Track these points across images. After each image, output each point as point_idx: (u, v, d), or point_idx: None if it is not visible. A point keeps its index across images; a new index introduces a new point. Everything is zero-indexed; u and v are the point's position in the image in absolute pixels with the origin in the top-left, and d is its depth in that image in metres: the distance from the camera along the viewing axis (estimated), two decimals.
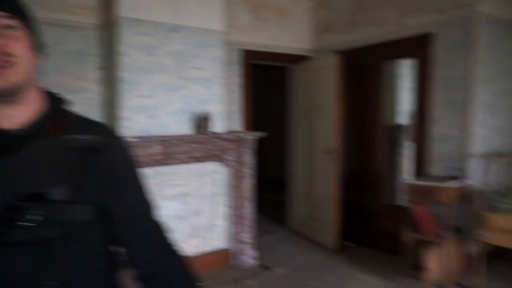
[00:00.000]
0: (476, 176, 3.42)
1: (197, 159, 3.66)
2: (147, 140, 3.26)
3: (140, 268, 1.00)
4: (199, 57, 3.69)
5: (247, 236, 3.99)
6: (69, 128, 0.90)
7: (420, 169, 3.97)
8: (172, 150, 3.46)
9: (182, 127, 3.63)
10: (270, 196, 7.41)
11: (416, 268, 3.51)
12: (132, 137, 3.16)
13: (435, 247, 3.41)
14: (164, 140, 3.36)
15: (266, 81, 8.21)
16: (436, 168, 3.85)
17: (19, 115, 0.86)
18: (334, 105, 4.33)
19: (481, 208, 3.38)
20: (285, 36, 4.75)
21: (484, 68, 3.67)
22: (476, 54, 3.56)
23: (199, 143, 3.61)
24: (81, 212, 0.86)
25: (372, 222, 4.46)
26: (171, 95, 3.56)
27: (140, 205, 1.04)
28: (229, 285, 3.59)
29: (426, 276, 3.34)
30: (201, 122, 3.64)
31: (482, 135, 3.71)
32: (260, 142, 4.22)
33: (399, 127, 4.76)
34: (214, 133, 3.70)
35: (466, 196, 3.55)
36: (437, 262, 3.41)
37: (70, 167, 0.84)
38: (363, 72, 4.51)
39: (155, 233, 1.05)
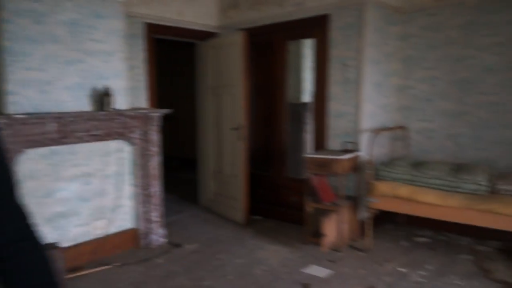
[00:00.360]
0: (366, 148, 3.77)
1: (99, 137, 3.50)
2: (39, 117, 3.02)
3: None
4: (97, 29, 3.48)
5: (155, 215, 3.95)
6: None
7: (320, 144, 4.26)
8: (69, 128, 3.25)
9: (80, 103, 3.43)
10: (183, 175, 7.39)
11: (315, 235, 3.81)
12: (20, 114, 2.91)
13: (332, 214, 3.72)
14: (59, 117, 3.15)
15: (178, 58, 8.04)
16: (333, 142, 4.16)
17: None
18: (240, 82, 4.42)
19: (369, 177, 3.75)
20: (190, 11, 4.68)
21: (373, 50, 4.02)
22: (366, 37, 3.87)
23: (100, 121, 3.44)
24: None
25: (279, 195, 4.70)
26: (66, 69, 3.32)
27: None
28: (138, 264, 3.55)
29: (324, 242, 3.64)
30: (102, 98, 3.47)
31: (371, 111, 4.09)
32: (174, 120, 4.17)
33: (304, 105, 5.02)
34: (116, 109, 3.56)
35: (358, 167, 3.92)
36: (333, 228, 3.74)
37: None
38: (269, 51, 4.65)
39: (14, 217, 0.99)
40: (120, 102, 3.66)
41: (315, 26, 4.15)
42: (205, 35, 4.93)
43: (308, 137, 5.02)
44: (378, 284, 3.11)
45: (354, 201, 3.95)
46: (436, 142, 4.23)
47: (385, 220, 4.45)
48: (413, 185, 3.54)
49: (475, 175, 3.30)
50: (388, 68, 4.32)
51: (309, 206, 3.89)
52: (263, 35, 4.64)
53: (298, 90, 5.17)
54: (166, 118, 4.14)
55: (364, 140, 3.94)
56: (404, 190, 3.52)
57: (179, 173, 7.57)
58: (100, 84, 3.52)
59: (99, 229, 3.68)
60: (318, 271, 3.37)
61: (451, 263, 3.45)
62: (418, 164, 3.73)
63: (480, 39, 3.88)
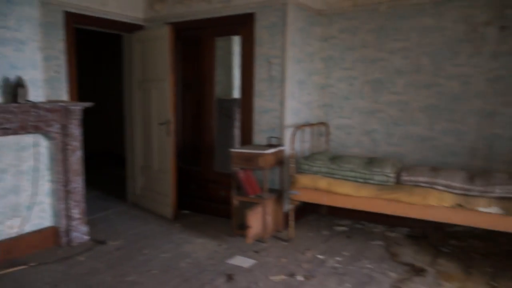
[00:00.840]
0: (289, 143, 3.95)
1: (12, 131, 3.29)
2: None
3: None
4: (9, 15, 3.27)
5: (76, 211, 3.81)
6: None
7: (246, 139, 4.38)
8: None
9: None
10: (111, 171, 7.15)
11: (242, 227, 3.92)
12: None
13: (257, 207, 3.85)
14: None
15: (108, 50, 7.73)
16: (259, 137, 4.30)
17: None
18: (168, 77, 4.39)
19: (292, 170, 3.94)
20: (114, 2, 4.53)
21: (297, 49, 4.21)
22: (289, 36, 4.04)
23: (13, 113, 3.24)
24: None
25: (208, 190, 4.76)
26: None
27: None
28: (57, 263, 3.41)
29: (249, 233, 3.76)
30: (15, 89, 3.27)
31: (295, 108, 4.28)
32: (102, 115, 4.02)
33: (233, 101, 5.10)
34: (31, 102, 3.37)
35: (281, 161, 4.09)
36: (258, 220, 3.87)
37: None
38: (197, 46, 4.67)
39: None
40: (36, 94, 3.48)
41: (242, 24, 4.25)
42: (132, 28, 4.82)
43: (237, 132, 5.13)
44: (298, 271, 3.29)
45: (278, 194, 4.12)
46: (354, 137, 4.55)
47: (308, 211, 4.70)
48: (331, 177, 3.78)
49: (384, 167, 3.61)
50: (311, 67, 4.55)
51: (236, 200, 3.99)
52: (191, 31, 4.64)
53: (229, 86, 5.25)
54: (92, 112, 4.00)
55: (288, 136, 4.12)
56: (323, 182, 3.75)
57: (106, 169, 7.31)
58: (12, 75, 3.32)
59: (13, 227, 3.48)
60: (242, 261, 3.48)
61: (365, 249, 3.74)
62: (336, 158, 3.98)
63: (390, 43, 4.23)
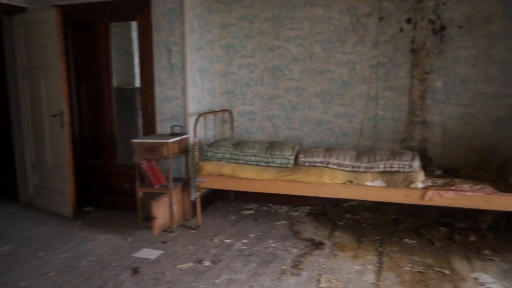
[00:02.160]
0: (194, 131, 3.95)
1: None
2: None
3: None
4: None
5: None
6: None
7: (149, 128, 4.27)
8: None
9: None
10: None
11: (148, 219, 3.83)
12: None
13: (163, 197, 3.80)
14: None
15: None
16: (163, 126, 4.22)
17: None
18: (58, 65, 4.07)
19: (196, 158, 3.95)
20: None
21: (196, 37, 4.19)
22: (187, 23, 4.00)
23: None
24: None
25: (111, 183, 4.55)
26: None
27: None
28: None
29: (155, 225, 3.69)
30: None
31: (197, 96, 4.28)
32: None
33: (135, 90, 4.91)
34: None
35: (186, 149, 4.07)
36: (164, 210, 3.82)
37: None
38: (91, 32, 4.38)
39: None
40: None
41: (138, 9, 4.09)
42: (12, 10, 4.34)
43: (140, 122, 4.96)
44: (206, 257, 3.34)
45: (185, 182, 4.11)
46: (257, 123, 4.70)
47: (217, 198, 4.77)
48: (235, 163, 3.87)
49: (284, 151, 3.80)
50: (212, 55, 4.57)
51: (140, 191, 3.89)
52: (82, 14, 4.35)
53: (130, 74, 5.02)
54: None
55: (191, 124, 4.11)
56: (227, 168, 3.82)
57: None
58: None
59: None
60: (149, 253, 3.42)
61: (270, 230, 3.92)
62: (239, 144, 4.08)
63: (286, 32, 4.43)
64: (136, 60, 4.93)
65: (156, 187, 3.85)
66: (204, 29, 4.36)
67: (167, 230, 3.87)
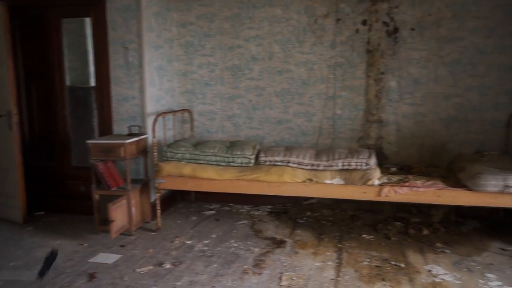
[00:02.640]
0: (152, 131, 3.86)
1: None
2: None
3: None
4: None
5: None
6: None
7: (106, 129, 4.13)
8: None
9: None
10: None
11: (105, 222, 3.71)
12: None
13: (121, 200, 3.69)
14: None
15: None
16: (120, 126, 4.10)
17: None
18: (5, 62, 3.84)
19: (156, 159, 3.87)
20: None
21: (154, 35, 4.10)
22: (145, 21, 3.91)
23: None
24: None
25: (66, 186, 4.35)
26: None
27: None
28: None
29: (112, 228, 3.57)
30: None
31: (156, 95, 4.19)
32: None
33: (91, 89, 4.73)
34: None
35: (145, 150, 3.97)
36: (123, 213, 3.71)
37: None
38: (42, 28, 4.18)
39: None
40: None
41: (92, 5, 3.95)
42: None
43: (96, 122, 4.79)
44: (166, 259, 3.27)
45: (144, 184, 4.00)
46: (217, 123, 4.67)
47: (178, 199, 4.69)
48: (195, 163, 3.82)
49: (244, 150, 3.79)
50: (171, 53, 4.49)
51: (96, 194, 3.75)
52: (32, 9, 4.14)
53: (85, 73, 4.82)
54: None
55: (150, 124, 4.02)
56: (187, 169, 3.77)
57: None
58: None
59: None
60: (106, 258, 3.31)
61: (231, 230, 3.90)
62: (199, 144, 4.03)
63: (245, 31, 4.43)
64: (91, 58, 4.76)
65: (113, 189, 3.73)
66: (162, 27, 4.27)
67: (125, 233, 3.76)
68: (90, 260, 3.27)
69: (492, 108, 3.95)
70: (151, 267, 3.14)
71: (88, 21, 4.49)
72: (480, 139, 4.02)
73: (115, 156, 3.67)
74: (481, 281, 2.86)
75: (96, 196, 3.76)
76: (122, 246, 3.55)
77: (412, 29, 4.04)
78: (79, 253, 3.42)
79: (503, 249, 3.38)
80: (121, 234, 3.73)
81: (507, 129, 3.87)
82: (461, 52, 3.96)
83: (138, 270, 3.10)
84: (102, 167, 3.70)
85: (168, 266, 3.16)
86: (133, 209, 3.79)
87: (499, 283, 2.83)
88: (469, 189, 3.22)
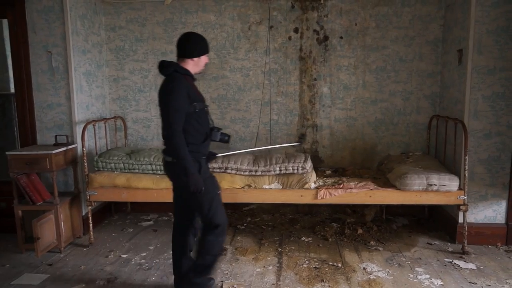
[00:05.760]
0: (81, 140, 3.63)
1: None
2: None
3: None
4: None
5: None
6: None
7: (29, 139, 3.81)
8: None
9: None
10: None
11: (29, 240, 3.41)
12: None
13: (47, 215, 3.42)
14: None
15: None
16: (45, 136, 3.82)
17: None
18: None
19: (86, 170, 3.64)
20: None
21: (80, 39, 3.88)
22: (70, 24, 3.68)
23: None
24: None
25: None
26: None
27: None
28: None
29: (38, 246, 3.30)
30: None
31: (85, 102, 3.96)
32: None
33: (10, 96, 4.35)
34: None
35: (74, 160, 3.73)
36: (50, 229, 3.44)
37: None
38: None
39: None
40: None
41: (9, 5, 3.63)
42: None
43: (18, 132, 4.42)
44: (100, 275, 3.09)
45: (74, 197, 3.75)
46: (153, 130, 4.51)
47: (112, 211, 4.46)
48: (129, 172, 3.66)
49: None
50: (100, 58, 4.28)
51: (19, 210, 3.45)
52: None
53: (3, 79, 4.43)
54: None
55: (79, 132, 3.78)
56: (121, 179, 3.59)
57: None
58: None
59: None
60: (31, 279, 3.05)
61: (170, 240, 3.69)
62: (134, 152, 3.87)
63: (179, 36, 4.33)
64: (10, 62, 4.39)
65: (38, 204, 3.45)
66: (90, 30, 4.05)
67: (54, 250, 3.50)
68: (13, 283, 2.99)
69: (415, 112, 4.26)
70: (83, 285, 2.94)
71: (5, 22, 4.15)
72: (405, 141, 4.31)
73: (40, 168, 3.40)
74: (411, 275, 3.05)
75: (18, 213, 3.46)
76: (50, 265, 3.29)
77: (341, 38, 4.23)
78: (0, 275, 3.11)
79: (430, 244, 3.63)
80: (49, 251, 3.46)
81: (428, 131, 4.19)
82: (384, 60, 4.22)
83: None
84: (24, 181, 3.41)
85: (102, 283, 2.98)
86: (62, 224, 3.53)
87: (427, 276, 3.03)
88: (397, 189, 3.42)
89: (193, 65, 2.59)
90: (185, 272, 2.68)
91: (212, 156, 2.70)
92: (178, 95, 2.38)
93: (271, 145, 4.37)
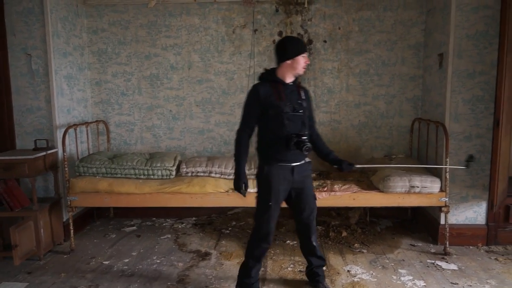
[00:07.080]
0: (62, 145, 3.56)
1: None
2: None
3: None
4: None
5: None
6: None
7: (7, 143, 3.72)
8: None
9: None
10: None
11: (7, 248, 3.32)
12: None
13: (26, 221, 3.33)
14: None
15: None
16: (24, 140, 3.73)
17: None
18: None
19: (67, 175, 3.57)
20: None
21: (61, 41, 3.81)
22: (50, 26, 3.62)
23: None
24: None
25: None
26: None
27: None
28: None
29: (16, 254, 3.21)
30: None
31: (66, 106, 3.89)
32: None
33: None
34: None
35: (54, 166, 3.65)
36: (29, 236, 3.35)
37: None
38: None
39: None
40: None
41: None
42: None
43: None
44: (81, 283, 3.02)
45: (54, 202, 3.67)
46: (136, 134, 4.46)
47: (94, 217, 4.38)
48: (112, 177, 3.61)
49: (165, 162, 3.67)
50: (82, 61, 4.22)
51: None
52: None
53: None
54: None
55: (59, 137, 3.71)
56: (103, 184, 3.53)
57: None
58: None
59: None
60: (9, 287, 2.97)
61: (154, 245, 3.73)
62: (116, 157, 3.81)
63: (163, 39, 4.31)
64: None
65: (16, 210, 3.36)
66: (71, 33, 3.99)
67: (33, 258, 3.41)
68: None
69: (398, 115, 4.30)
70: None
71: None
72: (388, 143, 4.35)
73: (18, 174, 3.32)
74: (394, 277, 3.07)
75: None
76: (29, 273, 3.20)
77: (325, 41, 4.26)
78: None
79: (413, 245, 3.67)
80: (28, 259, 3.37)
81: (411, 133, 4.24)
82: (368, 64, 4.26)
83: None
84: (2, 186, 3.32)
85: None
86: (42, 231, 3.44)
87: (410, 277, 3.05)
88: (380, 191, 3.45)
89: (289, 68, 2.58)
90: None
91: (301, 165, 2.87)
92: (248, 100, 2.62)
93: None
